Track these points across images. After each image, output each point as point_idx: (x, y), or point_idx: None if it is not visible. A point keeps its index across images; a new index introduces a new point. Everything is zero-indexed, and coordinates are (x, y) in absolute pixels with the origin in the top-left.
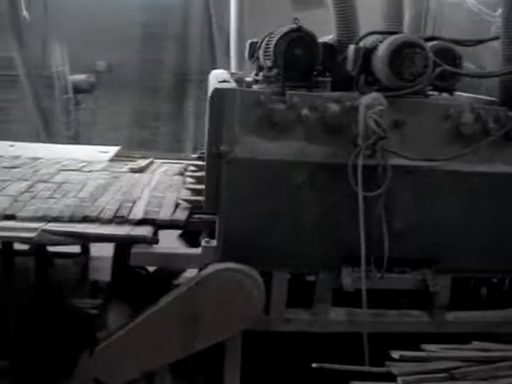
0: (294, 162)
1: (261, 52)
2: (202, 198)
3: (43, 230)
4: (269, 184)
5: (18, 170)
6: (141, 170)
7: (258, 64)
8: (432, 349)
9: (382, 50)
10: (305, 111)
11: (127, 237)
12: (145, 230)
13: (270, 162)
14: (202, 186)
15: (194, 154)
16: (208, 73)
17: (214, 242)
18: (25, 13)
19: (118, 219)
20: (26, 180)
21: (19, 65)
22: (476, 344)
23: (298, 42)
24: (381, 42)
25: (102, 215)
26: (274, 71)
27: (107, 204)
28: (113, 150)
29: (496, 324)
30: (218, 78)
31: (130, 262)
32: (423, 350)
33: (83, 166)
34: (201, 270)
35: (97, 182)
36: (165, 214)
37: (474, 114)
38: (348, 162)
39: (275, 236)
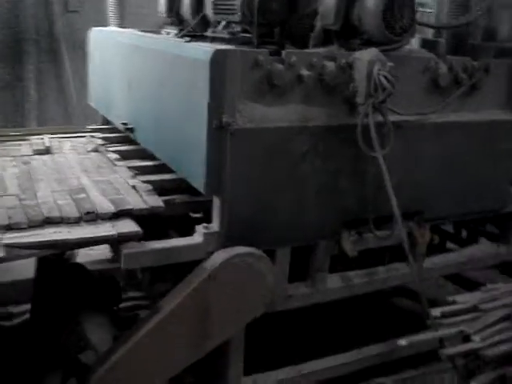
0: (297, 128)
1: (208, 6)
2: (165, 176)
3: (7, 245)
4: (272, 154)
5: None
6: (47, 151)
7: (180, 19)
8: (463, 299)
9: (373, 2)
10: (304, 71)
11: (117, 237)
12: (129, 225)
13: (274, 129)
14: (147, 163)
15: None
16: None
17: (214, 227)
18: None
19: (88, 216)
20: None
21: None
22: (500, 286)
23: None
24: None
25: (63, 214)
26: (237, 27)
27: (56, 199)
28: None
29: (463, 264)
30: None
31: (123, 266)
32: (454, 303)
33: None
34: (200, 260)
35: (9, 171)
36: (136, 201)
37: (447, 65)
38: (358, 121)
39: (279, 210)
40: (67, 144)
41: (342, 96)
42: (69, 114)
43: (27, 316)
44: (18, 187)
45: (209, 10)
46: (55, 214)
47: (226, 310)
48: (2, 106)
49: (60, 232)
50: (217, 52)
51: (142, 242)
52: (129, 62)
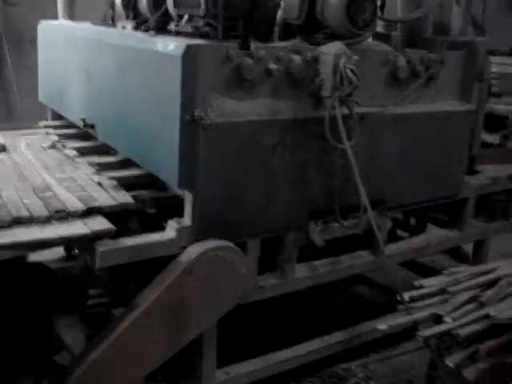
0: (266, 122)
1: (169, 1)
2: (132, 172)
3: None
4: (242, 148)
5: None
6: (3, 149)
7: (136, 13)
8: (429, 283)
9: None
10: (272, 65)
11: (90, 234)
12: (101, 223)
13: (244, 123)
14: (108, 159)
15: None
16: None
17: (186, 222)
18: None
19: (58, 215)
20: None
21: None
22: (463, 269)
23: None
24: None
25: (33, 213)
26: (200, 21)
27: (21, 198)
28: None
29: (420, 249)
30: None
31: (99, 264)
32: (421, 287)
33: None
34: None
35: None
36: (104, 198)
37: (406, 58)
38: (324, 114)
39: (249, 203)
40: (22, 141)
41: (308, 89)
42: (11, 111)
43: None
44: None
45: (170, 3)
46: (24, 213)
47: (202, 303)
48: None
49: (32, 232)
50: (189, 47)
51: (116, 239)
52: (86, 57)
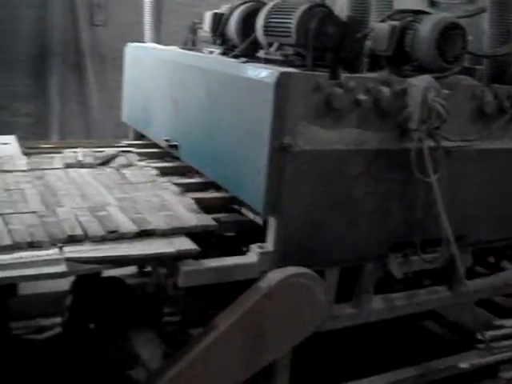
0: (353, 151)
1: (259, 28)
2: (213, 194)
3: (69, 260)
4: (328, 176)
5: None
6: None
7: (224, 39)
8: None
9: (427, 30)
10: (361, 95)
11: (176, 254)
12: (186, 243)
13: (331, 152)
14: (191, 180)
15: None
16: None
17: (268, 247)
18: None
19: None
20: None
21: None
22: None
23: (326, 19)
24: (413, 21)
25: (122, 230)
26: (290, 50)
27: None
28: (10, 139)
29: (498, 288)
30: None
31: (181, 283)
32: (502, 327)
33: (2, 163)
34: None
35: (35, 184)
36: (188, 219)
37: (493, 93)
38: (410, 146)
39: (331, 232)
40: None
41: (394, 121)
42: (90, 127)
43: (59, 329)
44: (72, 201)
45: (260, 31)
46: (112, 227)
47: (279, 328)
48: (25, 118)
49: (118, 248)
50: (282, 74)
51: (199, 260)
52: (173, 80)
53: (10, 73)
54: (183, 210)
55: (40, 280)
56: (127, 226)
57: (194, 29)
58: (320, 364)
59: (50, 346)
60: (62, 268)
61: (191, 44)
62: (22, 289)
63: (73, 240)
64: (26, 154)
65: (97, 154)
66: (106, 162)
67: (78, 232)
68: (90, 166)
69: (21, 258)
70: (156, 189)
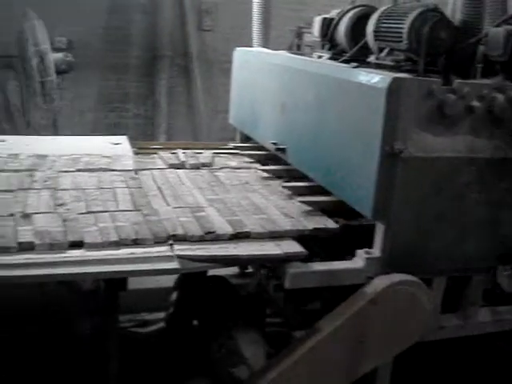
0: (465, 159)
1: (369, 33)
2: (320, 198)
3: (180, 257)
4: (438, 183)
5: (35, 173)
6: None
7: (333, 44)
8: None
9: None
10: (474, 102)
11: (283, 256)
12: (293, 246)
13: (443, 159)
14: (299, 184)
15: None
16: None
17: (375, 252)
18: None
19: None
20: (53, 188)
21: None
22: None
23: (439, 23)
24: None
25: (190, 232)
26: (400, 55)
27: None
28: (122, 139)
29: None
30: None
31: (288, 285)
32: None
33: (110, 163)
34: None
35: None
36: (293, 222)
37: None
38: None
39: (439, 240)
40: (220, 160)
41: (509, 129)
42: (196, 129)
43: (162, 324)
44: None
45: (370, 37)
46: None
47: (383, 336)
48: (135, 118)
49: (227, 248)
50: (394, 79)
51: (304, 262)
52: (283, 84)
53: (121, 76)
54: (278, 214)
55: (151, 275)
56: (223, 227)
57: (299, 33)
58: (413, 372)
59: (154, 339)
60: (174, 265)
61: (296, 48)
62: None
63: (174, 239)
64: (136, 153)
65: (198, 155)
66: (205, 163)
67: (180, 231)
68: (191, 167)
69: (133, 253)
70: (251, 191)
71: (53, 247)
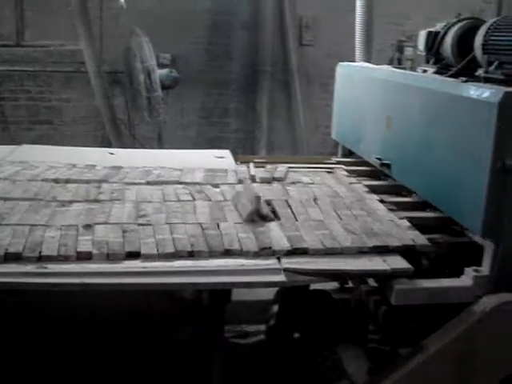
0: None
1: (478, 46)
2: (427, 214)
3: (287, 270)
4: None
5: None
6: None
7: (439, 57)
8: None
9: None
10: None
11: (392, 272)
12: (399, 262)
13: None
14: (404, 199)
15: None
16: (281, 64)
17: (484, 271)
18: (121, 0)
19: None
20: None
21: (87, 59)
22: None
23: None
24: None
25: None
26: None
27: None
28: (225, 153)
29: None
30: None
31: (394, 301)
32: None
33: (213, 177)
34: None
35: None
36: (399, 237)
37: None
38: None
39: None
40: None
41: None
42: (296, 144)
43: (262, 336)
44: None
45: (479, 50)
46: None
47: (491, 357)
48: (235, 133)
49: (335, 262)
50: (506, 94)
51: (411, 279)
52: (387, 99)
53: (222, 90)
54: (395, 228)
55: (258, 287)
56: (281, 242)
57: (400, 47)
58: None
59: (255, 351)
60: (281, 277)
61: (397, 62)
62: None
63: (228, 253)
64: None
65: (270, 169)
66: (277, 178)
67: (235, 247)
68: (261, 181)
69: (243, 265)
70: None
71: (110, 257)
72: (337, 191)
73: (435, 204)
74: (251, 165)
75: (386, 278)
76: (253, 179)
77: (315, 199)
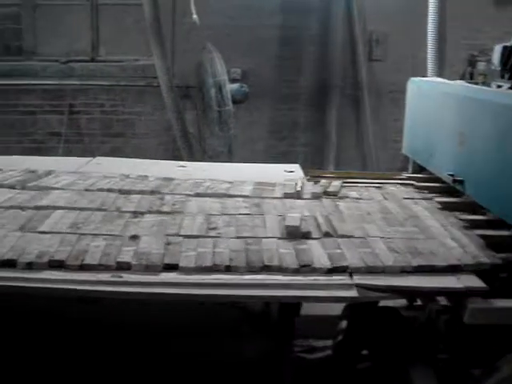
0: None
1: None
2: (500, 232)
3: (359, 286)
4: None
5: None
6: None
7: None
8: None
9: None
10: None
11: (466, 290)
12: (473, 280)
13: None
14: (477, 217)
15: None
16: (351, 79)
17: None
18: (195, 16)
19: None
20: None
21: (159, 74)
22: None
23: None
24: None
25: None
26: None
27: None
28: (295, 167)
29: None
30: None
31: (467, 320)
32: None
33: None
34: None
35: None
36: (470, 256)
37: None
38: None
39: None
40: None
41: None
42: (365, 159)
43: (329, 351)
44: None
45: None
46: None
47: None
48: (303, 147)
49: (407, 279)
50: None
51: (485, 298)
52: (461, 114)
53: (292, 105)
54: (468, 246)
55: (329, 302)
56: (321, 260)
57: (472, 61)
58: None
59: (322, 366)
60: (353, 293)
61: (469, 77)
62: None
63: (267, 269)
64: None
65: (320, 185)
66: (330, 192)
67: (274, 263)
68: (312, 196)
69: (316, 280)
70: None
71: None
72: (387, 207)
73: (509, 222)
74: (299, 180)
75: (459, 297)
76: (298, 195)
77: (368, 214)
